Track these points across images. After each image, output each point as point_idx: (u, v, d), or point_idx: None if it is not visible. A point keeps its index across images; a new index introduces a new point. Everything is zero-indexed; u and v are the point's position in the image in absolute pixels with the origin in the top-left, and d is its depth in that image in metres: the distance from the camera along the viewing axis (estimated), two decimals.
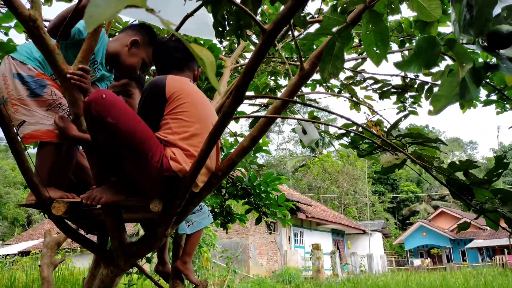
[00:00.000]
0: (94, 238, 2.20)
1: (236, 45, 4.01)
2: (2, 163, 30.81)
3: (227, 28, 2.22)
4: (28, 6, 1.47)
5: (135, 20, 3.44)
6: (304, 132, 2.70)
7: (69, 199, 1.64)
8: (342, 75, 3.80)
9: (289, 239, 20.21)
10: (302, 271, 17.64)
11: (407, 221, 42.95)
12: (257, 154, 4.26)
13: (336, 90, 4.02)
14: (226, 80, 3.33)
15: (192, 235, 2.34)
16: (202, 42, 3.19)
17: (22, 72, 1.71)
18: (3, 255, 17.68)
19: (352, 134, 2.41)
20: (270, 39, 1.03)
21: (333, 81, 3.90)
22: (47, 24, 3.25)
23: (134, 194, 1.63)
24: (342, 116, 1.45)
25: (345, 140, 2.53)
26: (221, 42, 2.47)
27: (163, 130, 1.64)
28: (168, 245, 2.50)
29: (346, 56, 3.73)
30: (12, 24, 2.04)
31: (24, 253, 17.54)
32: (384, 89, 3.58)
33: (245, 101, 3.70)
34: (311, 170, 36.58)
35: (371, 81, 3.64)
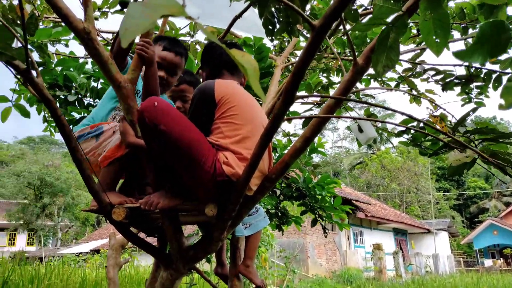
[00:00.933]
0: (155, 241, 2.26)
1: (286, 44, 3.96)
2: (73, 167, 33.16)
3: (277, 25, 2.18)
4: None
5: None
6: (360, 130, 2.59)
7: (128, 204, 1.69)
8: (399, 68, 3.62)
9: (348, 238, 19.77)
10: (363, 272, 17.18)
11: (476, 219, 40.26)
12: (312, 155, 4.18)
13: (393, 84, 3.83)
14: (277, 79, 3.29)
15: (251, 237, 2.33)
16: (251, 43, 3.18)
17: (79, 134, 1.88)
18: (77, 253, 19.06)
19: (413, 131, 2.27)
20: (320, 35, 0.97)
21: (390, 74, 3.74)
22: (104, 35, 3.40)
23: (190, 199, 1.64)
24: (401, 112, 1.35)
25: (405, 138, 2.39)
26: (271, 40, 2.45)
27: (214, 134, 1.64)
28: (225, 247, 2.51)
29: (404, 47, 3.54)
30: (71, 36, 2.17)
31: (95, 251, 18.77)
32: (447, 80, 3.35)
33: (297, 101, 3.64)
34: (369, 168, 35.48)
35: (432, 72, 3.42)
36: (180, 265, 1.77)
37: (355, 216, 18.90)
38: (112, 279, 2.68)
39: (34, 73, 1.45)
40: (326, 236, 4.25)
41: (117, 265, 2.79)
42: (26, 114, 1.96)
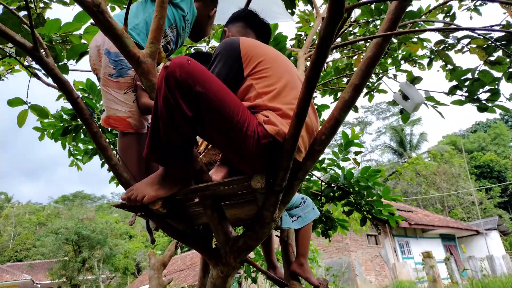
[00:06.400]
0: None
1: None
2: (107, 217, 33.47)
3: None
4: None
5: None
6: (405, 98, 2.36)
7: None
8: (429, 45, 3.36)
9: (395, 251, 18.84)
10: (416, 283, 16.21)
11: None
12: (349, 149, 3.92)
13: (425, 62, 3.57)
14: (302, 69, 3.11)
15: (301, 232, 2.10)
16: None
17: (111, 50, 1.64)
18: None
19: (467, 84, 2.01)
20: None
21: (422, 51, 3.47)
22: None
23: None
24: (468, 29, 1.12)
25: (459, 95, 2.12)
26: (292, 13, 2.28)
27: (247, 94, 1.44)
28: (273, 246, 2.26)
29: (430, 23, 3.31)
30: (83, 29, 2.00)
31: None
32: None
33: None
34: (403, 176, 34.35)
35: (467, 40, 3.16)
36: (230, 258, 1.54)
37: (398, 226, 18.08)
38: None
39: (43, 52, 1.31)
40: (379, 233, 3.92)
41: (161, 285, 2.57)
42: (43, 114, 1.80)
